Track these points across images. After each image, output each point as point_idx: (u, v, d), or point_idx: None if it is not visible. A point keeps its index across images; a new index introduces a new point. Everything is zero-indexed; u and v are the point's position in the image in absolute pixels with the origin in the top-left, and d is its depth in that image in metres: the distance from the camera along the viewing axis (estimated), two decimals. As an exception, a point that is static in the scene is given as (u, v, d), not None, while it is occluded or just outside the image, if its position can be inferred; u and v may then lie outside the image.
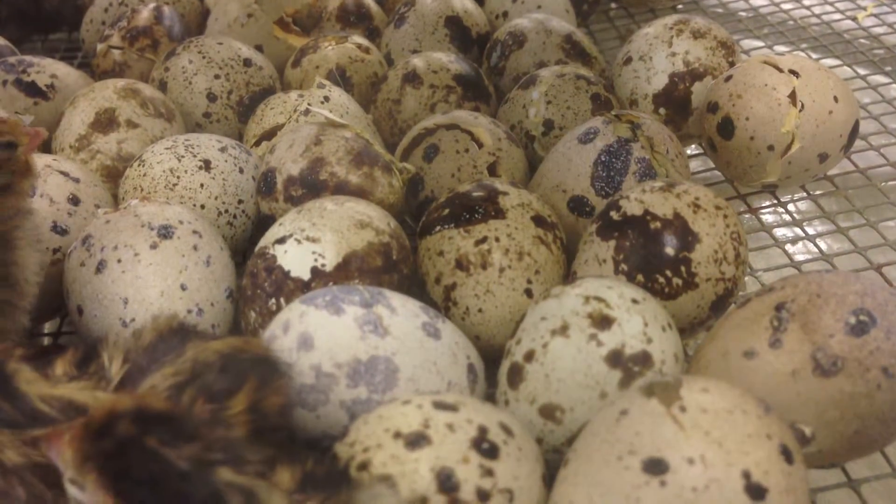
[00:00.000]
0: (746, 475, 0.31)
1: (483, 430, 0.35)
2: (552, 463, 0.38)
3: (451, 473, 0.33)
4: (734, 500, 0.31)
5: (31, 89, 0.67)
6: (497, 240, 0.48)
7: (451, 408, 0.36)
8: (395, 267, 0.48)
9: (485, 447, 0.34)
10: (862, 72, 0.75)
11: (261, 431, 0.33)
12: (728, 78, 0.60)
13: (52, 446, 0.29)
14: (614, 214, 0.48)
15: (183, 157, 0.56)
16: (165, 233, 0.48)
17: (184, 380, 0.33)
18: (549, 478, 0.36)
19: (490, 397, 0.44)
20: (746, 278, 0.53)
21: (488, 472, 0.34)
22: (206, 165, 0.56)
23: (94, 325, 0.47)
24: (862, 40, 0.81)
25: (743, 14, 0.89)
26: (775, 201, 0.63)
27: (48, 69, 0.69)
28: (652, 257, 0.46)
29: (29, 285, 0.44)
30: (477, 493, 0.33)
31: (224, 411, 0.32)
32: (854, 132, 0.59)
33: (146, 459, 0.27)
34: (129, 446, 0.27)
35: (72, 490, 0.28)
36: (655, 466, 0.31)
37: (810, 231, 0.60)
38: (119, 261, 0.47)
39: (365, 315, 0.40)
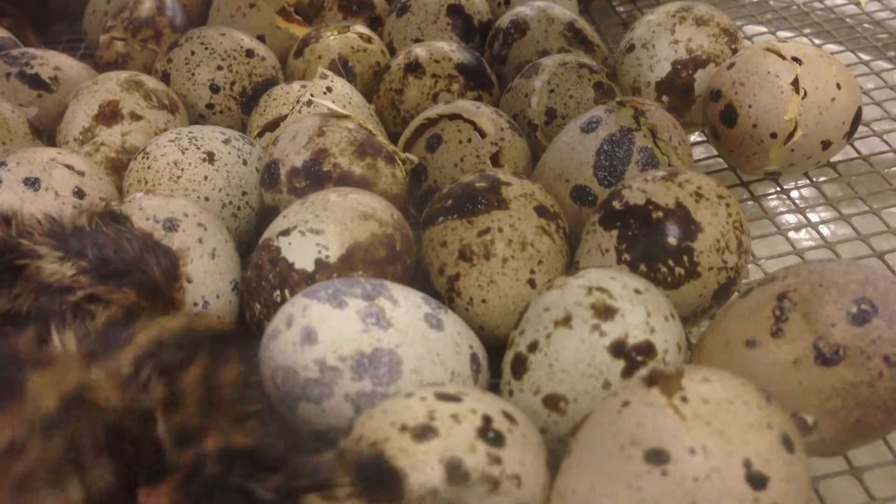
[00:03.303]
0: (747, 464, 0.31)
1: (487, 419, 0.36)
2: (556, 453, 0.38)
3: (459, 463, 0.34)
4: (735, 489, 0.31)
5: (35, 82, 0.67)
6: (500, 230, 0.48)
7: (455, 398, 0.36)
8: (398, 258, 0.48)
9: (490, 436, 0.35)
10: (865, 57, 0.75)
11: (213, 404, 0.33)
12: (731, 65, 0.60)
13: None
14: (616, 204, 0.48)
15: (187, 149, 0.56)
16: (170, 226, 0.48)
17: (141, 359, 0.32)
18: (553, 467, 0.36)
19: (494, 387, 0.44)
20: (749, 266, 0.53)
21: (496, 460, 0.34)
22: (210, 157, 0.56)
23: (100, 318, 0.48)
24: (865, 25, 0.81)
25: (746, -1, 0.89)
26: (778, 189, 0.63)
27: (51, 61, 0.69)
28: (654, 247, 0.46)
29: None
30: (486, 481, 0.34)
31: (176, 383, 0.32)
32: (857, 119, 0.59)
33: (232, 496, 0.27)
34: (215, 486, 0.27)
35: None
36: (657, 456, 0.32)
37: (813, 218, 0.60)
38: (124, 254, 0.47)
39: (367, 308, 0.41)
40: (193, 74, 0.67)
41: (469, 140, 0.57)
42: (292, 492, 0.27)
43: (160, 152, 0.56)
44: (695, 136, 0.70)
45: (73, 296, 0.38)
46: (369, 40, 0.72)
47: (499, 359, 0.44)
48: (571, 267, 0.50)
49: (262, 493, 0.27)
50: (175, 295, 0.42)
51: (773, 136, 0.57)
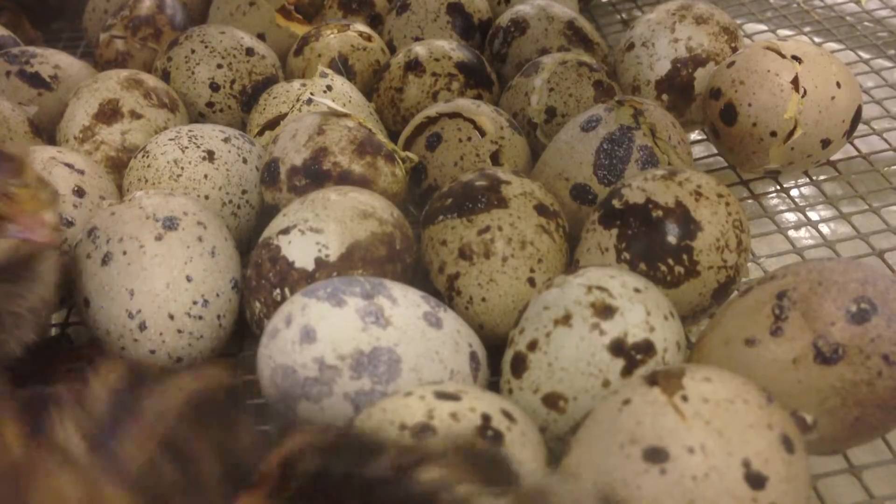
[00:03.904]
0: (746, 464, 0.31)
1: (486, 418, 0.36)
2: (556, 451, 0.38)
3: None
4: (734, 488, 0.31)
5: (35, 80, 0.67)
6: (500, 229, 0.48)
7: (454, 397, 0.36)
8: (398, 256, 0.48)
9: (489, 434, 0.35)
10: (865, 55, 0.75)
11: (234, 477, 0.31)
12: (731, 64, 0.60)
13: None
14: (616, 203, 0.48)
15: (187, 147, 0.56)
16: (170, 224, 0.48)
17: (150, 445, 0.29)
18: (553, 465, 0.37)
19: (494, 385, 0.44)
20: (749, 264, 0.53)
21: (494, 459, 0.34)
22: (210, 156, 0.56)
23: (100, 317, 0.48)
24: (865, 23, 0.81)
25: (746, -3, 0.89)
26: (778, 187, 0.63)
27: (51, 60, 0.69)
28: (654, 246, 0.46)
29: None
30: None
31: (192, 466, 0.29)
32: (857, 117, 0.59)
33: (342, 484, 0.26)
34: (318, 478, 0.26)
35: None
36: (656, 455, 0.32)
37: (813, 216, 0.60)
38: (125, 252, 0.47)
39: (366, 306, 0.41)
40: (193, 73, 0.67)
41: (469, 138, 0.57)
42: (405, 466, 0.26)
43: (160, 151, 0.56)
44: (694, 135, 0.70)
45: None
46: (369, 39, 0.72)
47: (499, 357, 0.44)
48: (571, 265, 0.50)
49: (375, 472, 0.26)
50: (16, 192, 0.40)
51: (773, 134, 0.57)
